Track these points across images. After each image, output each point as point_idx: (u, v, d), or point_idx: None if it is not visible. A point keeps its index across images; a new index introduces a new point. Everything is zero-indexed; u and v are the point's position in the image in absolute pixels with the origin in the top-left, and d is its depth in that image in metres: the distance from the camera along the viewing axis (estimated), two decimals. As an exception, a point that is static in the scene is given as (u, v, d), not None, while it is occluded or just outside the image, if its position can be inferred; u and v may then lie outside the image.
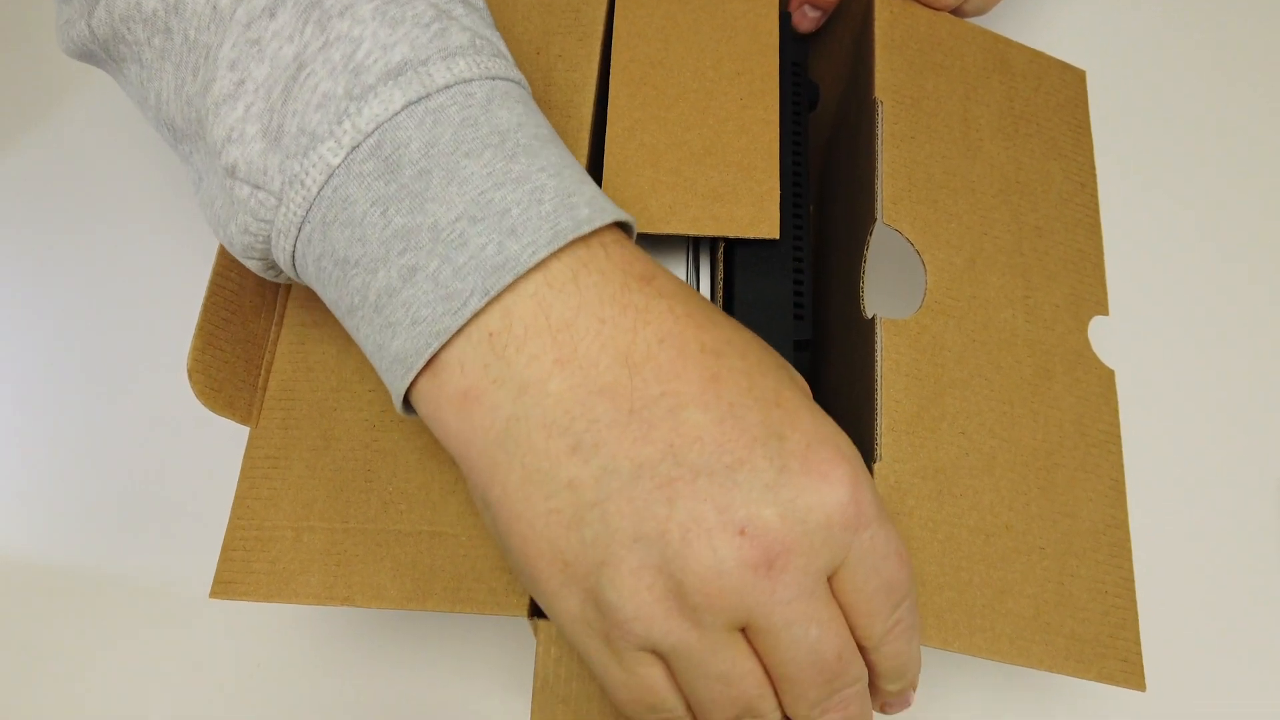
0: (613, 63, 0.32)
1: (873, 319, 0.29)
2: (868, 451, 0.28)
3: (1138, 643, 0.28)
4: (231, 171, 0.24)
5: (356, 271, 0.23)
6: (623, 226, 0.25)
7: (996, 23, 0.46)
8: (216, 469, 0.33)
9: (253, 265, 0.26)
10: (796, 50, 0.35)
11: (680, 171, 0.31)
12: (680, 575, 0.21)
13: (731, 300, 0.31)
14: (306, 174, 0.23)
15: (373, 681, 0.36)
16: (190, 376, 0.28)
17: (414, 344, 0.23)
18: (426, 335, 0.22)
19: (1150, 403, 0.41)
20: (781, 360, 0.25)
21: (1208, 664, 0.37)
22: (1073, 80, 0.36)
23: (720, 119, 0.32)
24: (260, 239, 0.25)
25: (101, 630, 0.37)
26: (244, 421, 0.29)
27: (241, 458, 0.30)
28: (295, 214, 0.23)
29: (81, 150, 0.46)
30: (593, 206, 0.23)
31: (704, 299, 0.25)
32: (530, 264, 0.22)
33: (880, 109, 0.32)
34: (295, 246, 0.24)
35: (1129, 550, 0.29)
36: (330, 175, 0.23)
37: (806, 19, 0.37)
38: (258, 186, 0.23)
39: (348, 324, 0.25)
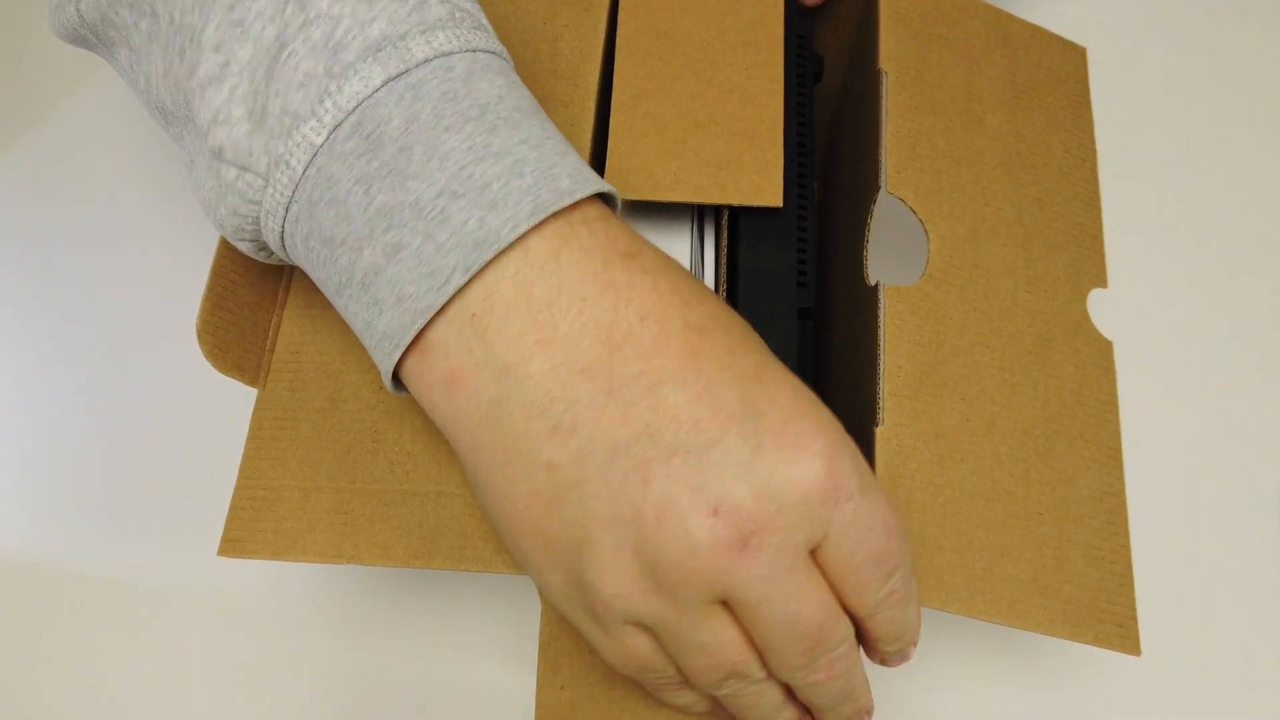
0: (619, 32, 0.32)
1: (876, 286, 0.29)
2: (869, 416, 0.28)
3: (1133, 608, 0.28)
4: (219, 154, 0.24)
5: (343, 250, 0.23)
6: (608, 200, 0.25)
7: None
8: (219, 467, 0.33)
9: (244, 247, 0.26)
10: (802, 23, 0.35)
11: (685, 140, 0.31)
12: (655, 555, 0.21)
13: (735, 268, 0.32)
14: (291, 154, 0.23)
15: (376, 647, 0.37)
16: (199, 338, 0.28)
17: (400, 322, 0.23)
18: (412, 313, 0.23)
19: (1148, 374, 0.42)
20: (764, 343, 0.25)
21: (1203, 630, 0.38)
22: (1073, 56, 0.36)
23: (725, 89, 0.32)
24: (250, 220, 0.25)
25: (100, 630, 0.37)
26: (251, 383, 0.30)
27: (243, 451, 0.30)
28: (282, 195, 0.23)
29: (81, 150, 0.46)
30: (574, 178, 0.23)
31: (691, 275, 0.25)
32: (511, 238, 0.22)
33: (885, 80, 0.32)
34: (284, 227, 0.24)
35: (1125, 518, 0.29)
36: (314, 155, 0.23)
37: (811, -7, 0.37)
38: (244, 168, 0.23)
39: (337, 303, 0.25)
